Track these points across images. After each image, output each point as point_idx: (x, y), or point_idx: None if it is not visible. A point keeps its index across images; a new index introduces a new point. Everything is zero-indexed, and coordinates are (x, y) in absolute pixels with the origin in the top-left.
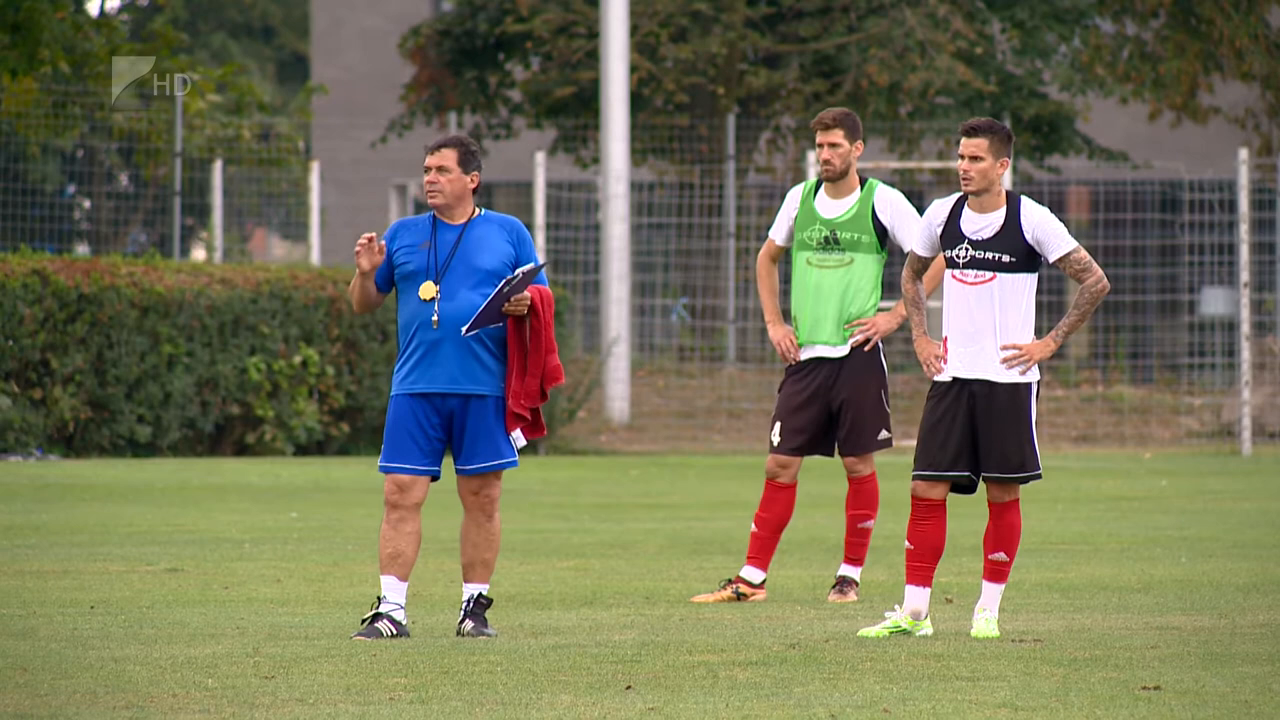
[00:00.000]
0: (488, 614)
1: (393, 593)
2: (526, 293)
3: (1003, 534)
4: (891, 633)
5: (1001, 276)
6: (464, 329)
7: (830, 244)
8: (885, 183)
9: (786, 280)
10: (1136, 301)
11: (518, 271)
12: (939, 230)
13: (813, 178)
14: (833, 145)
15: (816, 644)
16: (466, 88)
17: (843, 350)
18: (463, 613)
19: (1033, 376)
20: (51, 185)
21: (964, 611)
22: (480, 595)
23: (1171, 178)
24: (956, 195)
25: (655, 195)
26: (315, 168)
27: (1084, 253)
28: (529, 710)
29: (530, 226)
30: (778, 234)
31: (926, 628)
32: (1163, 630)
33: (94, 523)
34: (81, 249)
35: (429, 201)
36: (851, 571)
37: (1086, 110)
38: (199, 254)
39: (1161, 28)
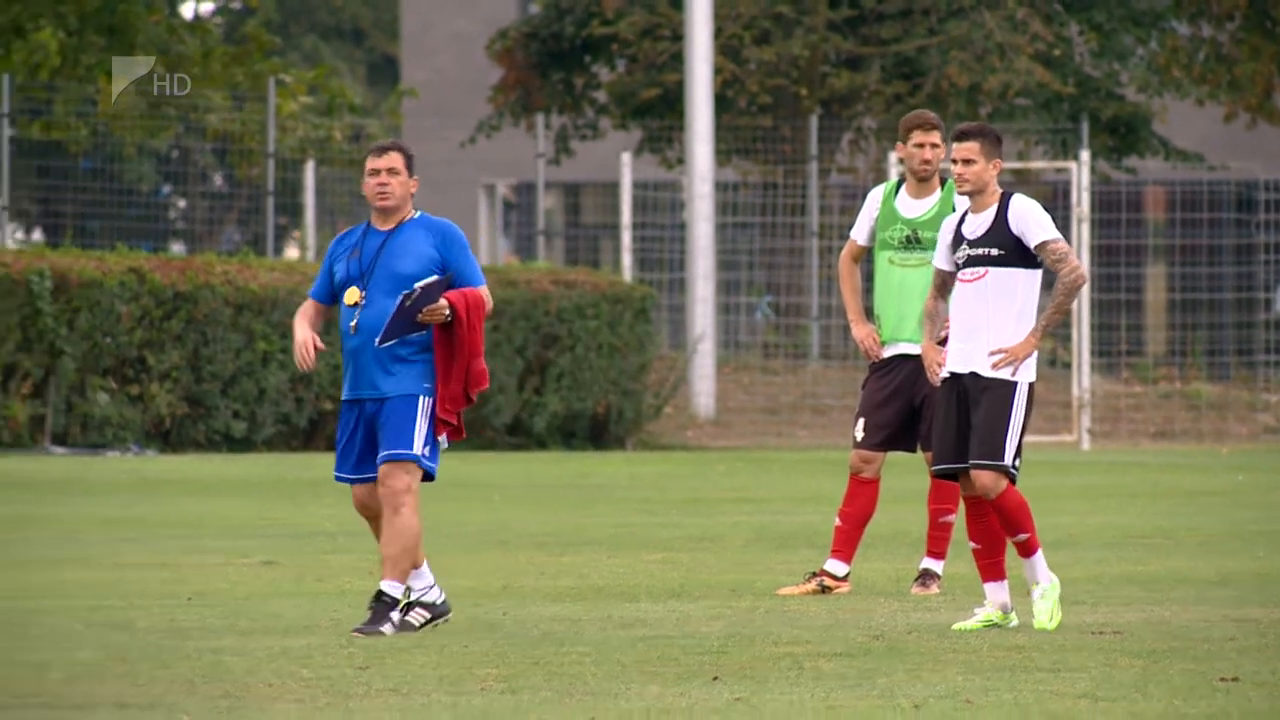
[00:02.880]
0: (396, 614)
1: (414, 580)
2: (442, 301)
3: (1010, 517)
4: (985, 626)
5: (993, 271)
6: (378, 340)
7: (912, 243)
8: None
9: (869, 279)
10: (1213, 300)
11: (416, 286)
12: (949, 239)
13: (894, 178)
14: (933, 145)
15: (900, 635)
16: (553, 89)
17: None
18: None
19: (1024, 376)
20: (147, 185)
21: None
22: (381, 592)
23: (1247, 178)
24: (964, 208)
25: (739, 195)
26: None
27: (1063, 244)
28: (618, 700)
29: (617, 226)
30: (859, 234)
31: (1014, 620)
32: (1240, 622)
33: (191, 516)
34: (177, 248)
35: (379, 204)
36: (934, 565)
37: (1163, 112)
38: (292, 253)
39: (1237, 30)
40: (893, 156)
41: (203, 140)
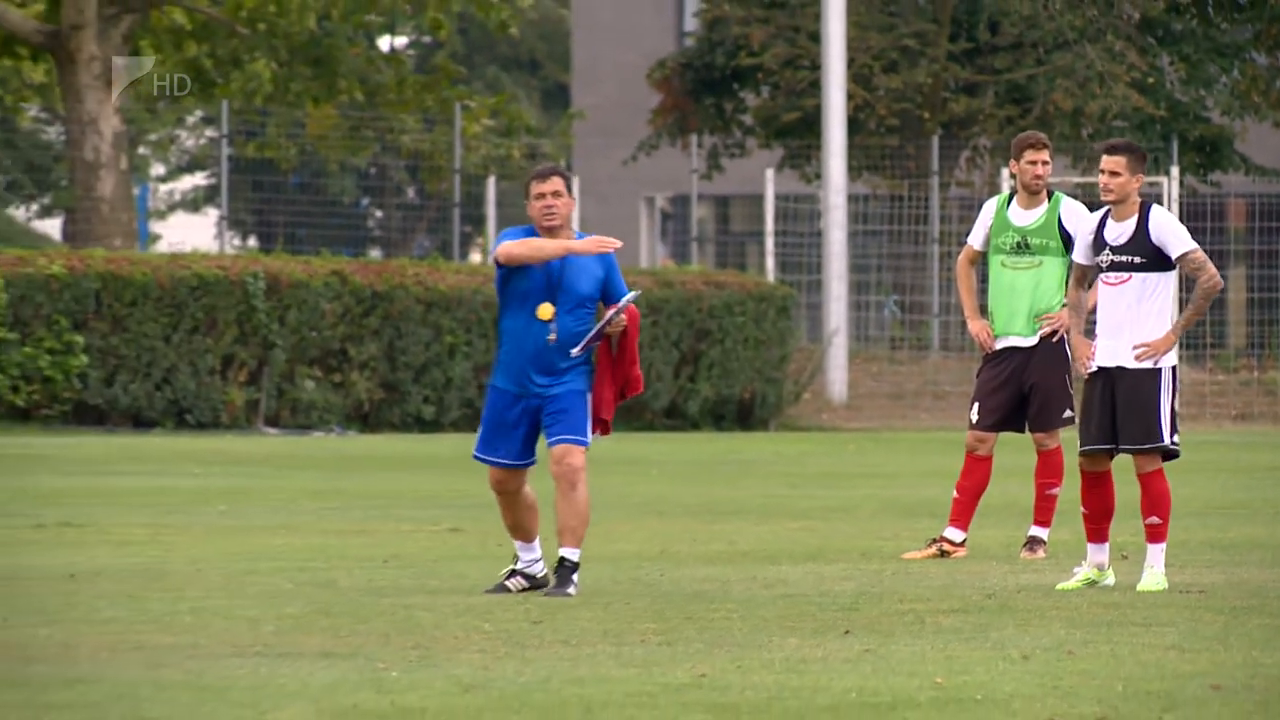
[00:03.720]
0: (576, 576)
1: (524, 553)
2: (624, 316)
3: (1152, 500)
4: (1084, 584)
5: (1136, 276)
6: (575, 350)
7: (1022, 248)
8: (1068, 195)
9: (984, 280)
10: None
11: (625, 300)
12: (1090, 240)
13: (1006, 191)
14: (1044, 163)
15: (1010, 594)
16: (706, 113)
17: (1033, 341)
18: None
19: (1165, 362)
20: (348, 198)
21: (1139, 566)
22: (564, 559)
23: None
24: (1103, 210)
25: (869, 206)
26: (575, 183)
27: (1201, 254)
28: (760, 651)
29: (761, 233)
30: (975, 240)
31: (1110, 578)
32: None
33: (386, 489)
34: (374, 253)
35: (547, 224)
36: (1040, 532)
37: (1244, 132)
38: (476, 257)
39: None
40: (1005, 172)
41: (397, 158)
